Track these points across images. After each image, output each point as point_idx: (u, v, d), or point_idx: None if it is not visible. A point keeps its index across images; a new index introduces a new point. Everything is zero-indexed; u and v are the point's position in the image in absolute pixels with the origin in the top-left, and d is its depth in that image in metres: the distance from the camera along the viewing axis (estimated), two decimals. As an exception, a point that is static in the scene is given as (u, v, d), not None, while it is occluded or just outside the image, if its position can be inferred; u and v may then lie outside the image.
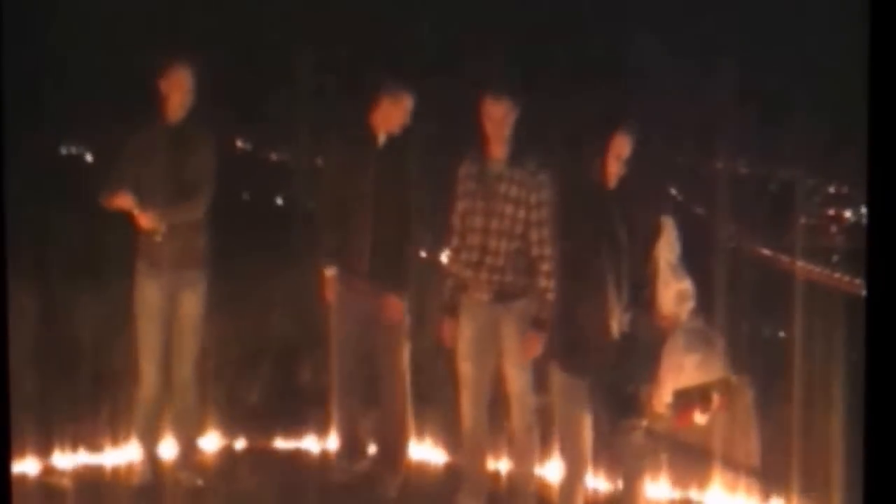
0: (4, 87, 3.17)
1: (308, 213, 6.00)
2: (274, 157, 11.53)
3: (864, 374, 2.86)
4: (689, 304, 4.98)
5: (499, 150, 5.10)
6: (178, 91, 5.23)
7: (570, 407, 4.76)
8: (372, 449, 5.74)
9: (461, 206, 5.20)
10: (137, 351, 5.35)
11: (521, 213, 5.05)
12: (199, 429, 5.66)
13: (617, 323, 4.61)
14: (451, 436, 5.65)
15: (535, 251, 5.05)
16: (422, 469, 5.69)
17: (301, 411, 6.04)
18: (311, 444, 5.98)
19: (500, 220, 5.07)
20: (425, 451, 5.76)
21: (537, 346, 5.02)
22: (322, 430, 5.94)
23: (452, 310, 5.24)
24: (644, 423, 4.84)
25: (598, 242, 4.61)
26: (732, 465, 5.51)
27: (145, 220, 5.14)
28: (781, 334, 8.37)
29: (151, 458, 5.45)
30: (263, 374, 6.00)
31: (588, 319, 4.63)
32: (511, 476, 5.40)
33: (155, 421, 5.45)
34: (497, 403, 5.26)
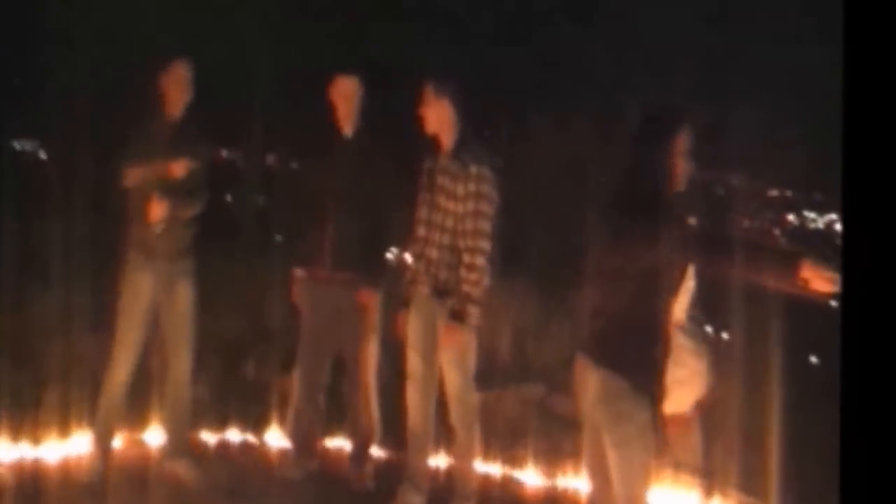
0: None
1: (260, 210, 5.96)
2: (224, 154, 11.49)
3: (839, 380, 2.90)
4: (685, 302, 4.39)
5: (445, 144, 5.11)
6: (177, 87, 5.26)
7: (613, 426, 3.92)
8: (336, 445, 5.81)
9: (419, 199, 5.22)
10: (115, 338, 5.32)
11: (451, 205, 5.02)
12: (191, 419, 5.64)
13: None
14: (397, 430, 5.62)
15: (461, 243, 4.99)
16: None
17: (255, 407, 6.04)
18: (262, 439, 5.99)
19: (436, 212, 5.08)
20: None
21: (453, 338, 4.98)
22: (267, 427, 5.96)
23: (406, 302, 5.25)
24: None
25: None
26: (674, 463, 5.56)
27: (159, 209, 5.13)
28: (725, 336, 8.48)
29: (106, 448, 5.42)
30: (218, 370, 5.93)
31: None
32: (452, 473, 5.37)
33: (118, 410, 5.42)
34: (441, 399, 5.23)
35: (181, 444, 5.53)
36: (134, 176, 5.16)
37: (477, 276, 4.96)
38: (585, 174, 7.38)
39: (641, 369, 3.85)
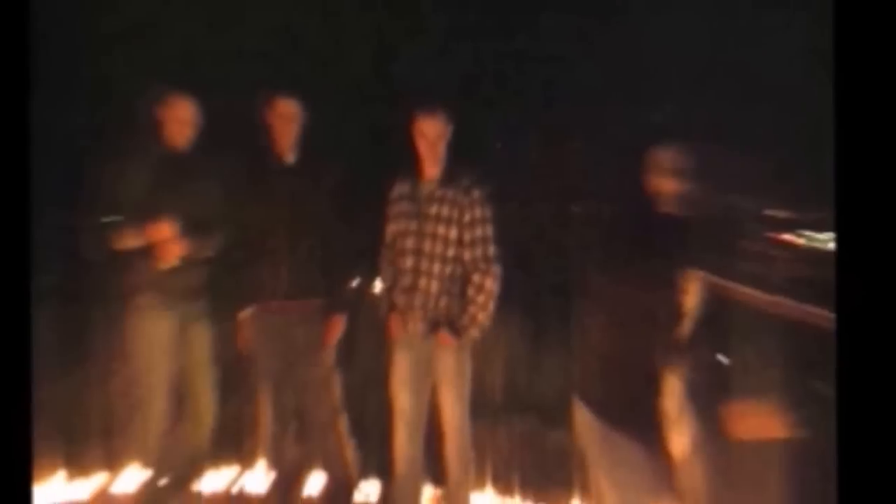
0: None
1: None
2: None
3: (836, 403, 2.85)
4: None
5: (432, 169, 4.95)
6: (184, 121, 5.01)
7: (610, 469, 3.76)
8: (317, 483, 5.60)
9: (393, 227, 5.04)
10: (147, 387, 5.08)
11: (454, 234, 4.88)
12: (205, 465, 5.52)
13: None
14: (384, 466, 5.47)
15: (469, 267, 4.89)
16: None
17: (231, 448, 5.89)
18: (241, 480, 5.87)
19: (432, 241, 4.90)
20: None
21: (446, 344, 4.87)
22: (250, 466, 5.84)
23: (391, 340, 5.08)
24: None
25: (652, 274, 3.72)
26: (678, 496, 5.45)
27: (175, 250, 4.91)
28: (725, 360, 8.39)
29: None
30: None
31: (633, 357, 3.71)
32: (446, 505, 5.25)
33: (170, 458, 5.25)
34: (431, 432, 5.11)
35: (189, 491, 5.38)
36: (124, 240, 4.92)
37: (485, 298, 4.86)
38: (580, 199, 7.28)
39: (634, 411, 3.67)
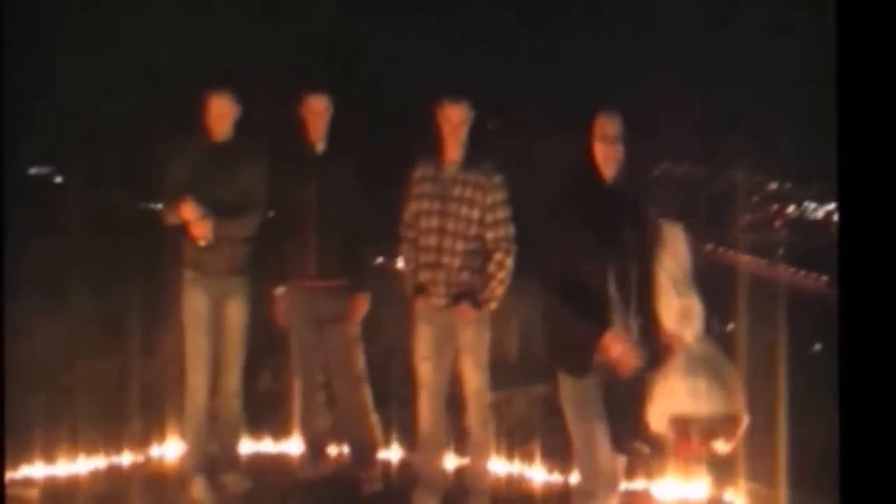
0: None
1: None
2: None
3: (836, 367, 2.99)
4: (695, 325, 4.28)
5: (454, 153, 5.17)
6: (223, 115, 5.32)
7: (578, 413, 4.33)
8: (338, 450, 5.90)
9: (416, 207, 5.25)
10: (186, 360, 5.41)
11: (476, 214, 5.12)
12: (239, 435, 5.72)
13: (622, 327, 4.24)
14: (407, 434, 5.76)
15: (491, 246, 5.13)
16: (380, 468, 5.76)
17: (263, 416, 6.14)
18: (271, 447, 6.11)
19: (455, 221, 5.13)
20: (383, 450, 5.86)
21: (467, 317, 5.12)
22: (282, 434, 6.08)
23: (415, 314, 5.29)
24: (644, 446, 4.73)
25: (599, 237, 4.23)
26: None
27: (202, 228, 5.18)
28: (729, 327, 8.56)
29: (203, 464, 5.52)
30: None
31: (589, 318, 4.19)
32: (467, 472, 5.49)
33: (205, 429, 5.51)
34: (452, 401, 5.34)
35: (232, 459, 5.63)
36: (171, 217, 5.25)
37: (505, 274, 5.12)
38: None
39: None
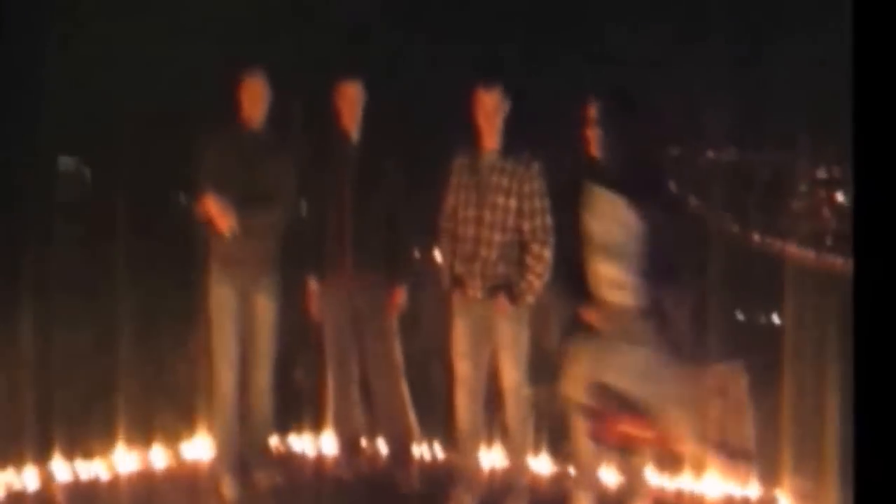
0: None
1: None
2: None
3: (852, 355, 2.89)
4: (621, 296, 4.49)
5: (491, 140, 5.08)
6: (257, 98, 5.26)
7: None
8: (374, 447, 5.82)
9: (454, 198, 5.19)
10: (213, 350, 5.35)
11: (513, 204, 5.02)
12: (271, 431, 5.68)
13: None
14: (445, 432, 5.66)
15: (528, 237, 5.02)
16: (417, 464, 5.69)
17: (298, 412, 6.07)
18: (307, 444, 6.03)
19: (492, 211, 5.04)
20: (421, 448, 5.78)
21: (504, 311, 5.03)
22: (317, 430, 6.01)
23: (452, 307, 5.22)
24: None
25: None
26: (727, 451, 5.52)
27: (227, 221, 5.10)
28: (776, 319, 8.44)
29: (232, 461, 5.46)
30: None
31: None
32: (506, 469, 5.42)
33: (234, 420, 5.44)
34: (490, 398, 5.25)
35: (262, 454, 5.57)
36: (202, 212, 5.16)
37: (542, 267, 5.00)
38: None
39: None
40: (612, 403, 4.38)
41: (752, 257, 8.68)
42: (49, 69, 9.35)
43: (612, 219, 4.51)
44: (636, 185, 4.47)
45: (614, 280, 4.51)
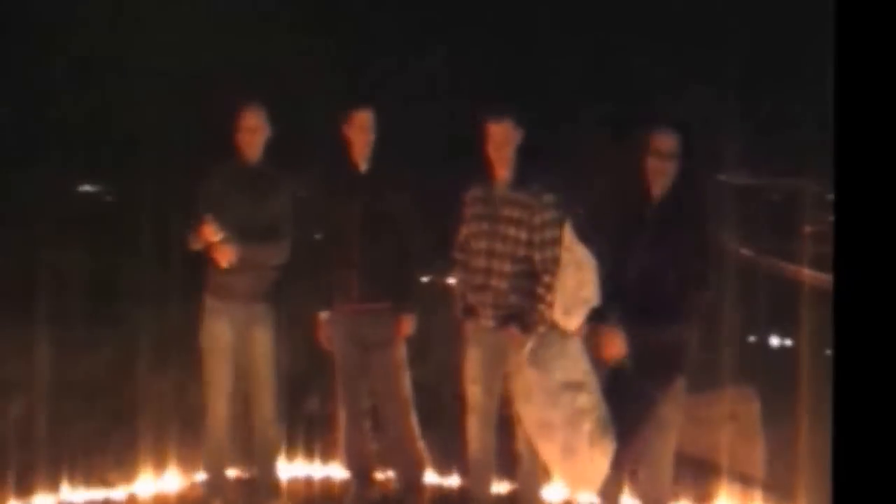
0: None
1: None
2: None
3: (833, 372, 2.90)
4: (563, 320, 4.51)
5: (502, 172, 5.10)
6: (255, 131, 5.25)
7: None
8: (386, 475, 5.82)
9: (467, 229, 5.23)
10: (204, 381, 5.37)
11: (524, 235, 5.04)
12: (278, 459, 5.69)
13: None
14: (457, 459, 5.68)
15: (539, 268, 5.03)
16: (429, 492, 5.71)
17: (309, 440, 6.12)
18: (318, 471, 6.05)
19: (503, 242, 5.07)
20: (432, 475, 5.79)
21: (515, 341, 5.00)
22: (328, 458, 6.04)
23: (464, 336, 5.26)
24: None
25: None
26: (738, 476, 5.54)
27: (227, 253, 5.09)
28: (789, 343, 8.43)
29: (222, 492, 5.51)
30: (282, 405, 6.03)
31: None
32: (517, 498, 5.42)
33: (224, 450, 5.47)
34: (503, 425, 5.26)
35: (271, 485, 5.59)
36: (194, 242, 5.15)
37: (553, 297, 4.91)
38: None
39: None
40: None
41: (764, 279, 8.64)
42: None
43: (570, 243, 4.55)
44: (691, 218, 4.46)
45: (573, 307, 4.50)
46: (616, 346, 4.38)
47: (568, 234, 4.53)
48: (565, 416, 4.40)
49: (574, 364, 4.44)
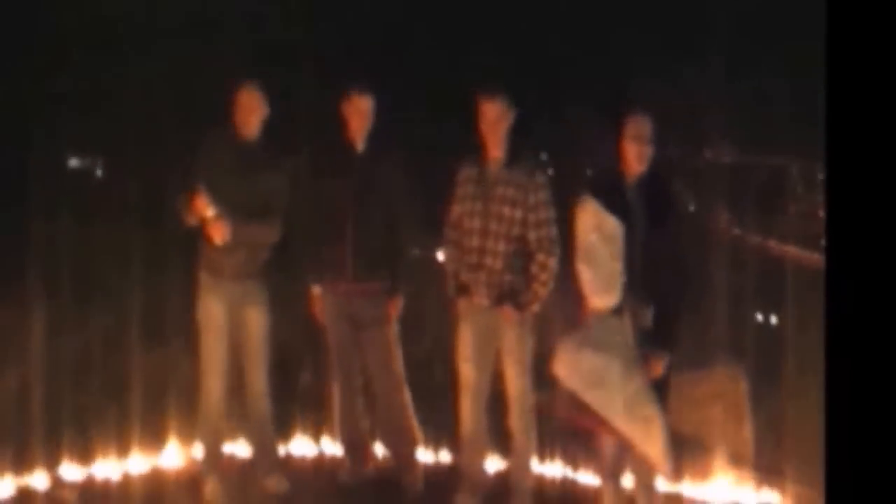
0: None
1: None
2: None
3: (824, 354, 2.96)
4: (603, 300, 4.48)
5: (495, 151, 5.12)
6: (252, 110, 5.24)
7: None
8: (381, 451, 5.86)
9: (459, 208, 5.23)
10: (200, 358, 5.38)
11: (519, 215, 5.06)
12: (274, 436, 5.70)
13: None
14: (449, 436, 5.74)
15: (533, 247, 5.06)
16: (422, 469, 5.73)
17: (302, 417, 6.15)
18: (312, 448, 6.10)
19: (497, 221, 5.08)
20: (423, 452, 5.84)
21: (510, 319, 5.08)
22: (322, 435, 6.09)
23: (457, 314, 5.28)
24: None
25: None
26: (726, 455, 5.60)
27: (220, 230, 5.09)
28: (774, 321, 8.49)
29: (217, 468, 5.52)
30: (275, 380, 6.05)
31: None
32: (509, 474, 5.45)
33: (219, 426, 5.49)
34: (494, 402, 5.30)
35: (270, 461, 5.61)
36: (188, 216, 5.14)
37: (547, 276, 5.05)
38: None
39: None
40: (567, 401, 4.56)
41: (751, 259, 8.69)
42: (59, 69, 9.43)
43: (596, 224, 4.51)
44: (663, 200, 4.53)
45: (591, 283, 4.51)
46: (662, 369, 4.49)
47: (592, 209, 4.50)
48: (635, 395, 4.40)
49: (626, 341, 4.45)
